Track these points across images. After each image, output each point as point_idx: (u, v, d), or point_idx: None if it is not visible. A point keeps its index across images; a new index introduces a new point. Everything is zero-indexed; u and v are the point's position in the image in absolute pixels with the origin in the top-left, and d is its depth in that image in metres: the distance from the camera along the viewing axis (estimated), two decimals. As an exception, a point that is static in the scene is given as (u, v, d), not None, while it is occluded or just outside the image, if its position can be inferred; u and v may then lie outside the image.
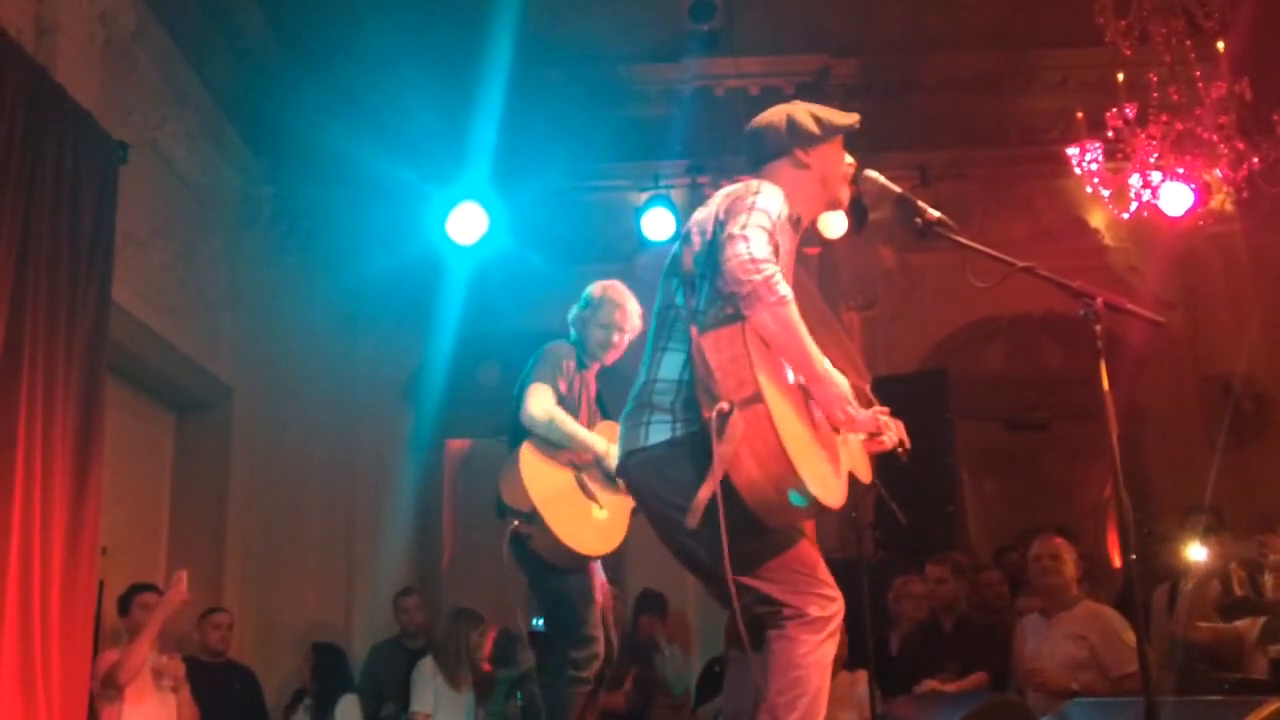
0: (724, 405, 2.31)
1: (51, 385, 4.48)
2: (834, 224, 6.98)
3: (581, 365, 4.03)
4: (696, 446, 2.40)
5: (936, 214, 2.75)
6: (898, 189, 2.80)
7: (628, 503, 3.82)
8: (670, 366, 2.54)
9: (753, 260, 2.37)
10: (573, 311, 4.11)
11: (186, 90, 6.54)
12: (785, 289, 2.39)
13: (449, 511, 8.42)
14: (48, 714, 4.19)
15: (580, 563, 3.78)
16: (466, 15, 6.74)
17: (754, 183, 2.59)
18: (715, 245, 2.48)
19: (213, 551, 6.83)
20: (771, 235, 2.44)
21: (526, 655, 6.18)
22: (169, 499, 6.90)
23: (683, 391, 2.50)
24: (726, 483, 2.30)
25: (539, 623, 5.14)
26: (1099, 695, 4.27)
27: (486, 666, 6.26)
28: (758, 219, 2.44)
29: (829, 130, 2.72)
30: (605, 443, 3.80)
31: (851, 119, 2.76)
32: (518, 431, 3.84)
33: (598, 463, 3.83)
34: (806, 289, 2.86)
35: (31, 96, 4.48)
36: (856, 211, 7.06)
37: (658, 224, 7.15)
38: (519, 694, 6.01)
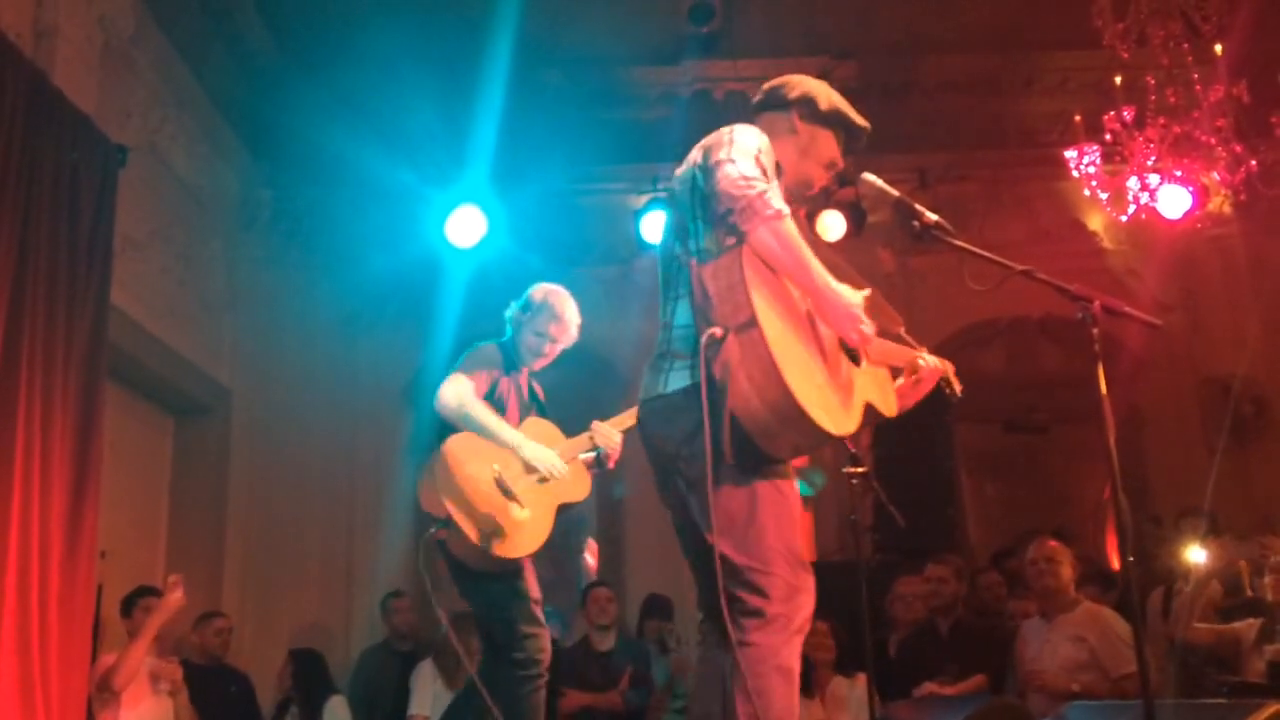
0: (716, 331, 2.29)
1: (50, 388, 4.47)
2: (832, 226, 6.98)
3: (513, 367, 3.97)
4: (712, 390, 2.34)
5: (935, 217, 2.76)
6: (896, 192, 2.80)
7: (553, 498, 3.79)
8: (685, 312, 2.50)
9: (743, 176, 2.35)
10: (511, 309, 4.04)
11: (185, 93, 6.54)
12: (780, 203, 2.35)
13: (448, 514, 8.41)
14: (46, 717, 4.18)
15: (505, 565, 3.69)
16: (466, 18, 6.74)
17: (725, 128, 2.57)
18: (701, 179, 2.46)
19: (212, 554, 6.82)
20: (758, 159, 2.42)
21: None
22: (168, 502, 6.89)
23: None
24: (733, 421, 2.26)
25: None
26: (1099, 697, 4.28)
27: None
28: (740, 148, 2.43)
29: (832, 113, 2.73)
30: (521, 435, 3.72)
31: (859, 120, 2.76)
32: (438, 436, 3.74)
33: (517, 455, 3.71)
34: (814, 239, 2.83)
35: (30, 100, 4.48)
36: (855, 214, 7.07)
37: (656, 227, 7.15)
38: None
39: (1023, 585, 5.30)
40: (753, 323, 2.27)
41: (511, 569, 3.74)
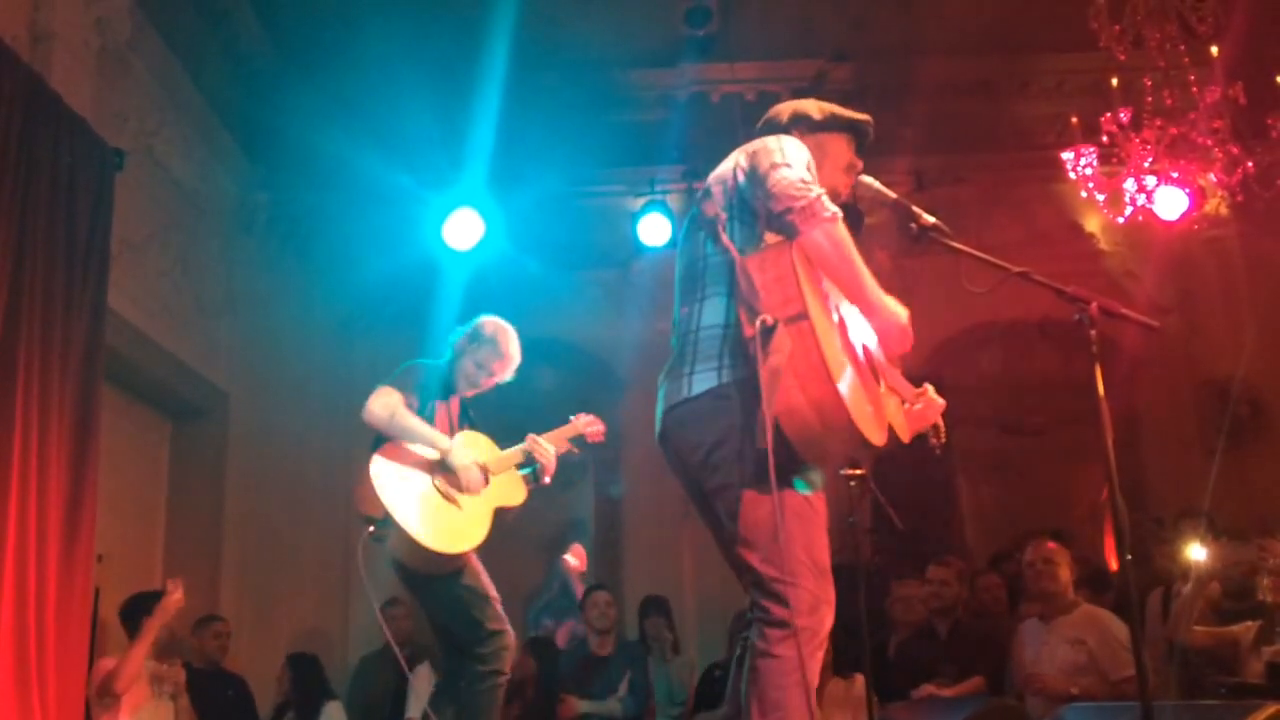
0: (767, 319, 2.23)
1: (47, 392, 4.47)
2: (830, 229, 6.97)
3: (449, 390, 4.02)
4: (745, 391, 2.30)
5: (932, 219, 2.76)
6: (893, 194, 2.81)
7: (490, 500, 3.84)
8: (713, 312, 2.46)
9: (802, 180, 2.36)
10: (456, 334, 4.09)
11: (182, 96, 6.53)
12: (835, 208, 2.35)
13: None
14: (43, 721, 4.18)
15: (448, 563, 3.72)
16: (463, 21, 6.75)
17: (771, 137, 2.58)
18: (749, 184, 2.45)
19: (209, 558, 6.80)
20: (809, 167, 2.43)
21: (525, 661, 6.17)
22: (165, 505, 6.87)
23: (730, 336, 2.41)
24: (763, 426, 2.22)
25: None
26: (1098, 699, 4.27)
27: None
28: (791, 155, 2.44)
29: (829, 120, 2.74)
30: (450, 440, 3.79)
31: (858, 115, 2.77)
32: (373, 443, 3.81)
33: (444, 464, 3.78)
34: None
35: (27, 103, 4.47)
36: (852, 216, 7.05)
37: (654, 229, 7.15)
38: (514, 702, 6.01)
39: (1024, 588, 5.30)
40: (803, 315, 2.22)
41: (456, 566, 3.75)
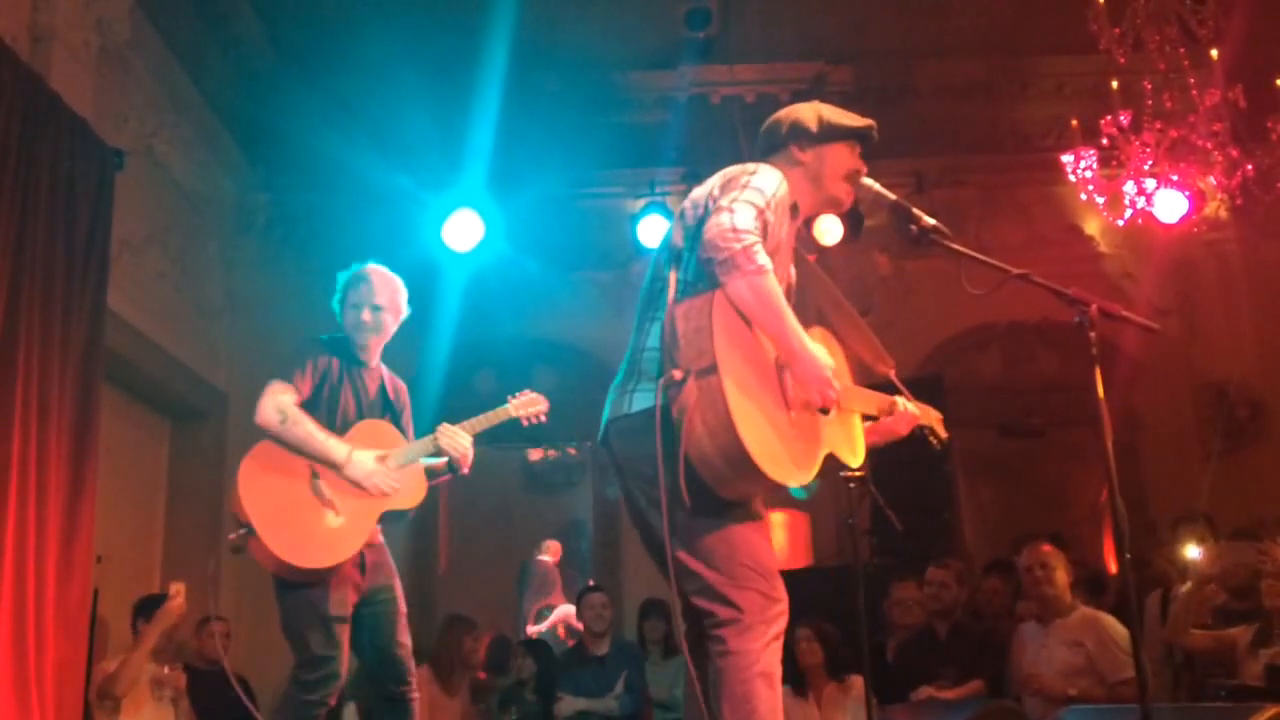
0: (677, 373, 2.34)
1: (47, 392, 4.47)
2: (829, 231, 6.99)
3: (354, 362, 3.68)
4: (668, 429, 2.39)
5: (932, 221, 2.76)
6: (893, 196, 2.80)
7: (373, 507, 3.51)
8: (658, 335, 2.51)
9: (734, 229, 2.37)
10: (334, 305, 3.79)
11: (182, 97, 6.54)
12: (764, 260, 2.37)
13: (444, 520, 8.41)
14: (42, 722, 4.18)
15: (310, 576, 3.39)
16: (462, 22, 6.75)
17: (751, 165, 2.59)
18: (704, 219, 2.48)
19: (208, 558, 6.80)
20: (761, 213, 2.44)
21: (523, 663, 6.18)
22: (164, 507, 6.88)
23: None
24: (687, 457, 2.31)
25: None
26: (1096, 701, 4.27)
27: (482, 674, 6.24)
28: (750, 195, 2.45)
29: (829, 130, 2.72)
30: (347, 450, 3.45)
31: (861, 121, 2.75)
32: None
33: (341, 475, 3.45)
34: (818, 276, 2.84)
35: (27, 104, 4.48)
36: (852, 218, 7.07)
37: (653, 231, 7.15)
38: (511, 703, 6.01)
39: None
40: (713, 369, 2.31)
41: (317, 579, 3.41)
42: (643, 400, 2.50)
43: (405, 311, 3.91)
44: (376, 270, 3.82)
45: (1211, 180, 6.06)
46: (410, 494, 3.62)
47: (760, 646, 2.38)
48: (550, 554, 6.68)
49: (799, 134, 2.71)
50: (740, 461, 2.29)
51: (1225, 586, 4.74)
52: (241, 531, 3.34)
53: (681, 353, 2.37)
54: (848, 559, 4.30)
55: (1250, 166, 5.89)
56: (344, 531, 3.45)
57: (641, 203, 7.31)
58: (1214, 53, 5.84)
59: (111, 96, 5.61)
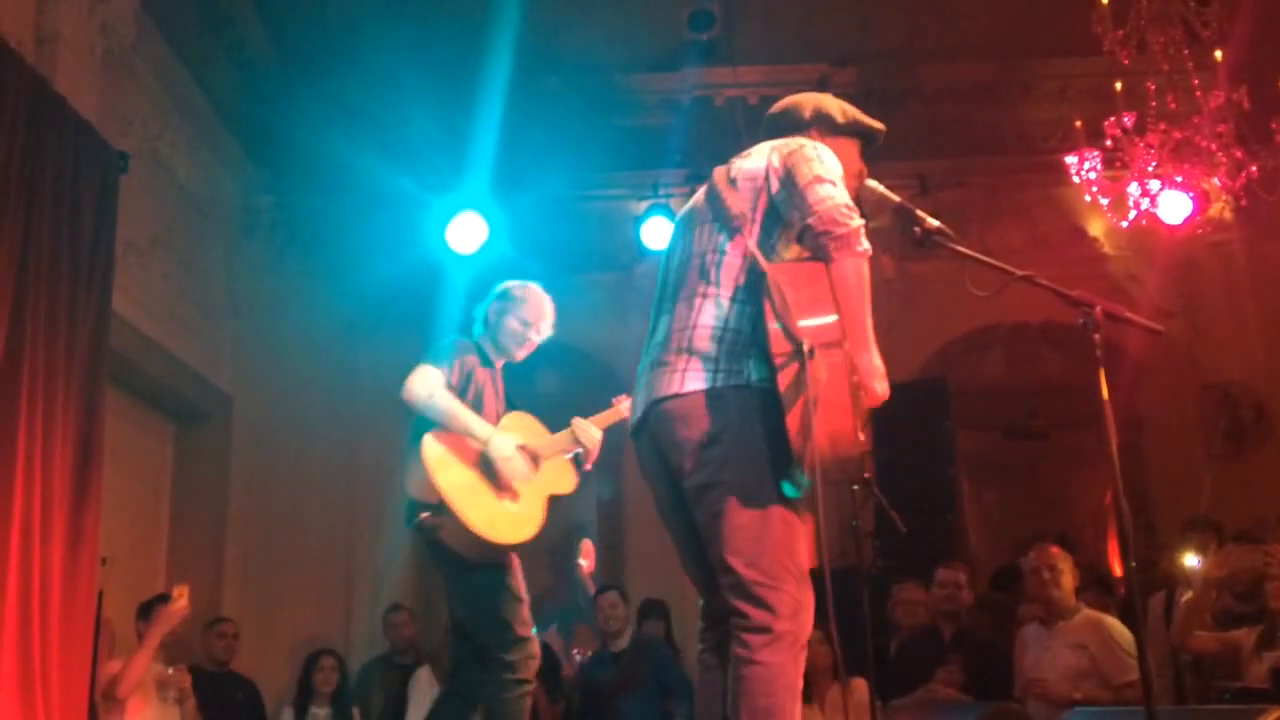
0: (807, 344, 2.23)
1: (51, 395, 4.47)
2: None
3: (487, 362, 3.88)
4: (743, 399, 2.32)
5: (935, 223, 2.76)
6: (896, 198, 2.80)
7: (541, 488, 3.75)
8: (714, 311, 2.43)
9: (847, 206, 2.37)
10: (482, 307, 3.99)
11: (187, 100, 6.55)
12: (868, 244, 2.37)
13: (448, 520, 8.37)
14: (46, 724, 4.18)
15: (497, 555, 3.61)
16: (466, 25, 6.77)
17: (807, 141, 2.55)
18: (784, 191, 2.44)
19: (212, 561, 6.82)
20: (843, 183, 2.44)
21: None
22: (169, 509, 6.89)
23: (728, 339, 2.40)
24: (776, 431, 2.22)
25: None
26: (1100, 704, 4.26)
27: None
28: (831, 169, 2.44)
29: (850, 124, 2.73)
30: (490, 429, 3.64)
31: (875, 123, 2.76)
32: (417, 427, 3.65)
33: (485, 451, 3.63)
34: None
35: (32, 106, 4.48)
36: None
37: (657, 233, 7.15)
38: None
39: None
40: (839, 343, 2.27)
41: (503, 561, 3.65)
42: (695, 380, 2.39)
43: None
44: (549, 302, 4.02)
45: (1216, 182, 6.05)
46: (564, 479, 3.89)
47: (789, 659, 2.34)
48: (585, 556, 6.66)
49: (823, 121, 2.70)
50: (850, 449, 2.24)
51: (1230, 589, 4.73)
52: (429, 515, 3.51)
53: (794, 319, 2.26)
54: (851, 561, 4.29)
55: (1254, 168, 5.88)
56: (523, 513, 3.67)
57: (645, 205, 7.31)
58: (1218, 54, 5.83)
59: (116, 99, 5.62)
